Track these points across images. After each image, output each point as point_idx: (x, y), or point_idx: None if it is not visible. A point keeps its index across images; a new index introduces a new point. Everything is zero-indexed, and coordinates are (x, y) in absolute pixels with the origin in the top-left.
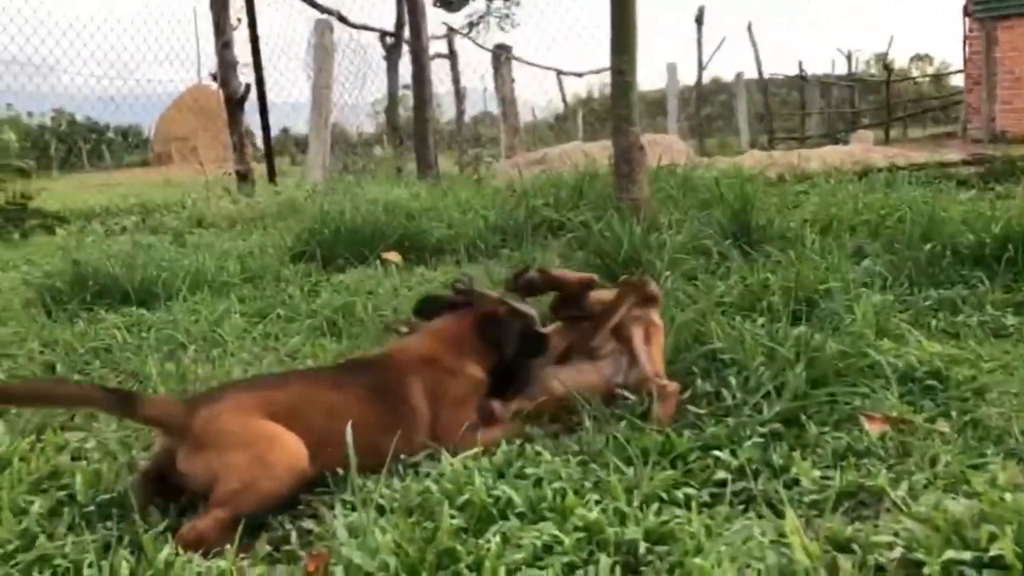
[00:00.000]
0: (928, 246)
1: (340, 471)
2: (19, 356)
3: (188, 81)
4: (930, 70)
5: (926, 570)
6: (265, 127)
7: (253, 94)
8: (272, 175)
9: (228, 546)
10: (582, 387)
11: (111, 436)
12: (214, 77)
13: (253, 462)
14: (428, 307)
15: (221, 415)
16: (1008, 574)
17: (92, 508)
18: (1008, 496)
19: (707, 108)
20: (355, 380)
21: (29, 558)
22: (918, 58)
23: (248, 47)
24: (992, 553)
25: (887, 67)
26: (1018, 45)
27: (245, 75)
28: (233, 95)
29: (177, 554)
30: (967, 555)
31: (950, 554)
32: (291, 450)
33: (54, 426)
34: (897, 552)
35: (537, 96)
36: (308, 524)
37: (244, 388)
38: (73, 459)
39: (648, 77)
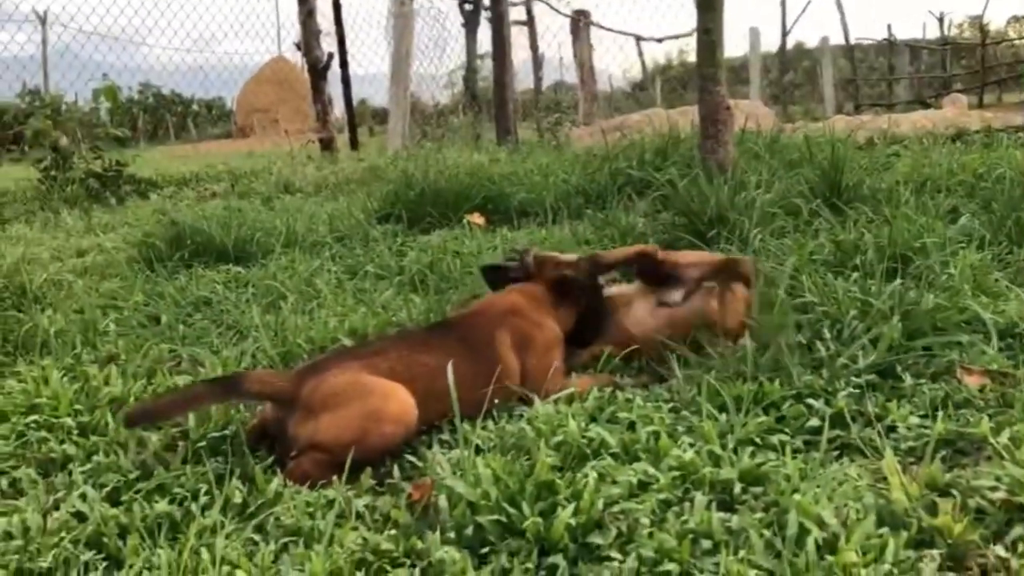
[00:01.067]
0: None
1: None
2: (125, 308)
3: (268, 54)
4: None
5: None
6: (347, 95)
7: (335, 63)
8: (355, 142)
9: (335, 478)
10: (656, 326)
11: None
12: (298, 46)
13: (366, 415)
14: (491, 275)
15: (328, 379)
16: None
17: (203, 444)
18: None
19: (790, 75)
20: (448, 339)
21: (149, 486)
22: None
23: (331, 16)
24: None
25: (982, 29)
26: None
27: (327, 45)
28: (316, 63)
29: (286, 485)
30: None
31: None
32: (402, 402)
33: (163, 370)
34: (1000, 495)
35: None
36: (410, 461)
37: (348, 357)
38: None
39: (730, 43)
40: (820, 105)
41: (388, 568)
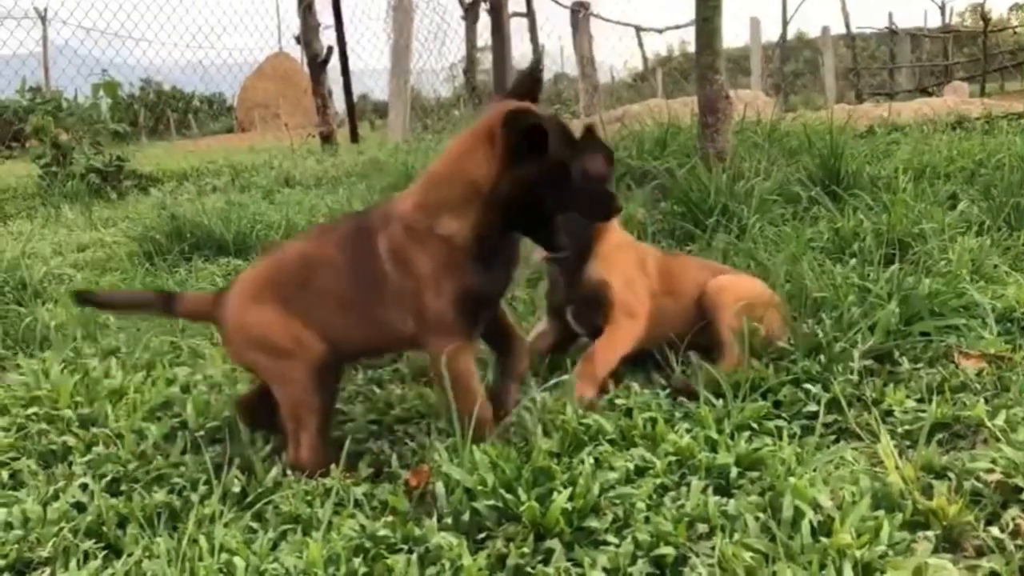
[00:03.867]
0: None
1: (434, 400)
2: None
3: (269, 49)
4: None
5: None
6: (347, 88)
7: (335, 57)
8: (355, 135)
9: (333, 466)
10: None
11: (216, 370)
12: (298, 40)
13: (276, 365)
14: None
15: (230, 305)
16: None
17: (202, 434)
18: None
19: (791, 65)
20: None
21: (148, 476)
22: (1018, 7)
23: (330, 11)
24: None
25: (984, 17)
26: None
27: (327, 39)
28: (316, 57)
29: (285, 474)
30: None
31: None
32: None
33: (163, 362)
34: (995, 476)
35: (613, 58)
36: (407, 449)
37: (252, 268)
38: (183, 391)
39: (731, 33)
40: (822, 95)
41: (386, 554)
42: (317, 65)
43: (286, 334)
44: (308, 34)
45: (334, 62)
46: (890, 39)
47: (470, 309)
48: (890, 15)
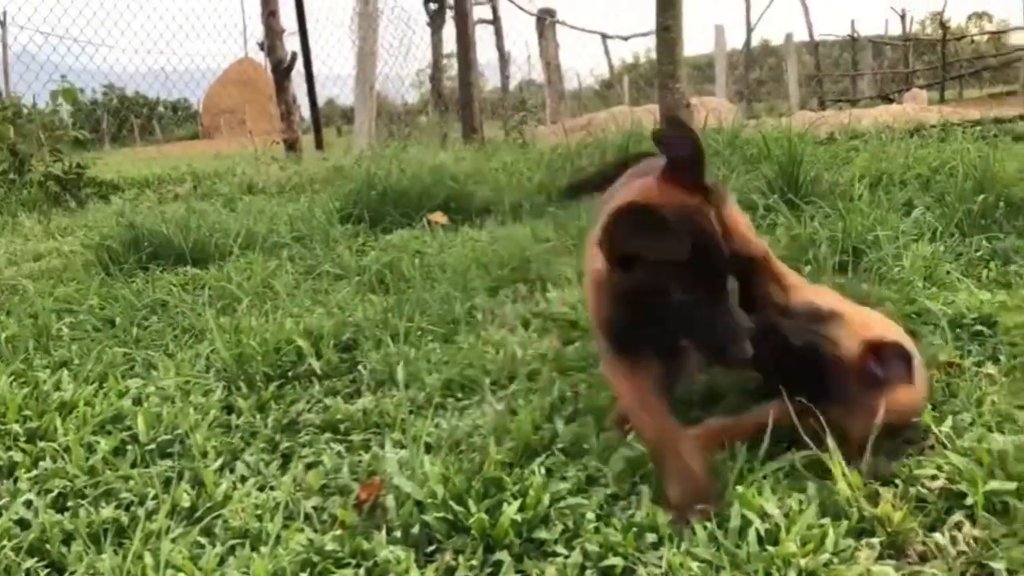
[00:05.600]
0: (980, 197)
1: (392, 412)
2: (80, 312)
3: (234, 55)
4: (989, 28)
5: (968, 500)
6: (311, 94)
7: (299, 63)
8: (319, 142)
9: (282, 479)
10: None
11: (170, 381)
12: (261, 46)
13: None
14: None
15: None
16: None
17: (153, 447)
18: None
19: (756, 72)
20: None
21: (96, 491)
22: (976, 16)
23: (294, 16)
24: None
25: (943, 25)
26: None
27: (292, 44)
28: (280, 63)
29: (235, 487)
30: (1011, 486)
31: (993, 485)
32: None
33: (116, 374)
34: (940, 483)
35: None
36: (359, 459)
37: None
38: (134, 403)
39: (695, 40)
40: (786, 101)
41: (332, 569)
42: (281, 71)
43: None
44: (272, 40)
45: (299, 68)
46: (852, 46)
47: None
48: (852, 23)
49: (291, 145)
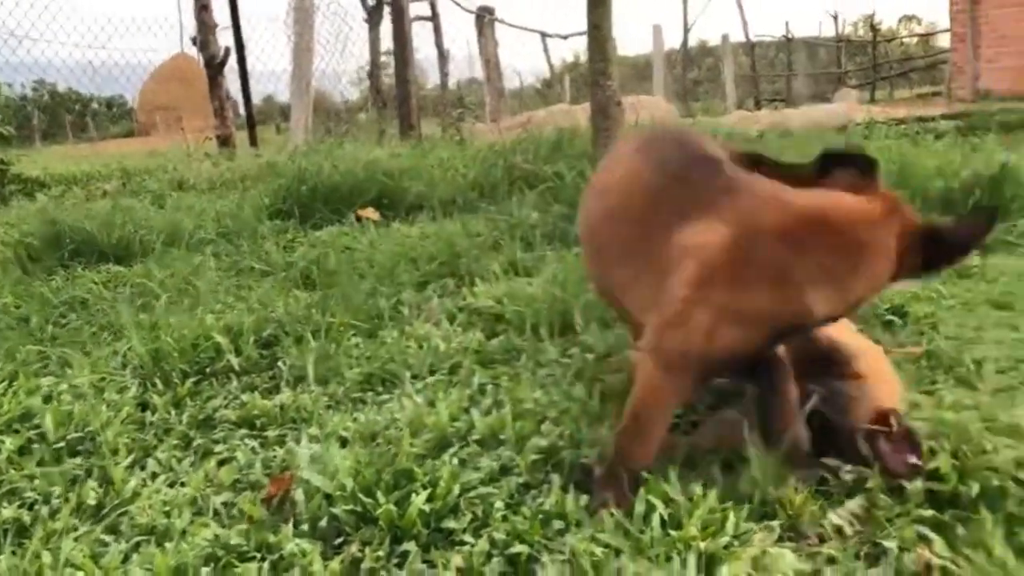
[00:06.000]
0: (899, 192)
1: (310, 407)
2: None
3: (170, 50)
4: (918, 30)
5: (871, 483)
6: (245, 91)
7: (233, 59)
8: (254, 139)
9: (194, 475)
10: None
11: (83, 379)
12: (194, 41)
13: None
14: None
15: None
16: (944, 483)
17: (62, 446)
18: (949, 415)
19: (693, 72)
20: None
21: (0, 491)
22: (906, 19)
23: (227, 11)
24: (932, 466)
25: (874, 28)
26: (1003, 1)
27: (226, 40)
28: (213, 58)
29: (144, 484)
30: None
31: None
32: None
33: (27, 372)
34: (847, 469)
35: (521, 63)
36: (274, 455)
37: None
38: (44, 401)
39: (634, 40)
40: (723, 101)
41: (237, 563)
42: (214, 67)
43: None
44: (205, 35)
45: (233, 64)
46: (787, 47)
47: None
48: (787, 24)
49: (224, 141)
